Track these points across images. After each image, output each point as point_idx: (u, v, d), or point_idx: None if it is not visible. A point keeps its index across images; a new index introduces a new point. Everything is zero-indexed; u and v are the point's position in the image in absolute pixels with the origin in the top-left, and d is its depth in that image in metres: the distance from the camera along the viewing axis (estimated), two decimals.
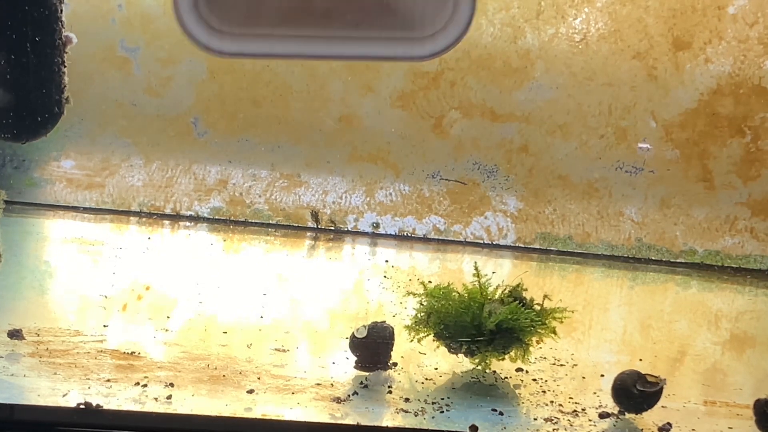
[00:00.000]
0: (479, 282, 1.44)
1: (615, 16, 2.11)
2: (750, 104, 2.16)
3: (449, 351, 1.44)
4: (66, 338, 1.42)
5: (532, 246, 2.23)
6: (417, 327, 1.44)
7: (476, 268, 1.47)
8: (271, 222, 2.21)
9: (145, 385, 1.28)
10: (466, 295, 1.43)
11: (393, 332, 1.42)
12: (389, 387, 1.36)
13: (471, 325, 1.40)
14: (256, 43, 1.16)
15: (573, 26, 2.12)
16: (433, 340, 1.45)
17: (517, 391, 1.41)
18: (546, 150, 2.20)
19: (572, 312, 1.45)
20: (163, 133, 2.17)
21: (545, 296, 1.45)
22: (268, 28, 1.16)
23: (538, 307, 1.44)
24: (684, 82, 2.15)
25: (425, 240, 2.22)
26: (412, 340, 1.44)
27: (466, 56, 2.14)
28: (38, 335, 1.41)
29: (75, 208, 2.16)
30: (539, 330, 1.42)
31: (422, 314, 1.45)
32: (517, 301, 1.43)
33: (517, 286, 1.46)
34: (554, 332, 1.43)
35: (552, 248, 2.23)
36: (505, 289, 1.46)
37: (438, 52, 1.17)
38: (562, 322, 1.44)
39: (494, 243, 2.23)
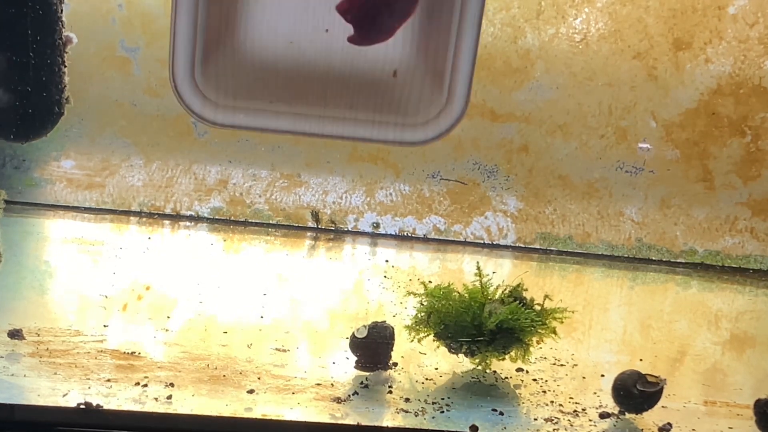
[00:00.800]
0: (480, 282, 1.44)
1: (615, 16, 2.11)
2: (750, 104, 2.16)
3: (449, 351, 1.44)
4: (66, 338, 1.42)
5: (532, 246, 2.23)
6: (417, 327, 1.44)
7: (478, 268, 1.47)
8: (271, 222, 2.21)
9: (145, 385, 1.28)
10: (466, 295, 1.43)
11: (393, 332, 1.42)
12: (389, 387, 1.36)
13: (471, 325, 1.40)
14: (249, 117, 1.17)
15: (573, 26, 2.12)
16: (434, 340, 1.45)
17: (517, 391, 1.41)
18: (546, 150, 2.20)
19: (572, 312, 1.45)
20: (163, 133, 2.17)
21: (546, 296, 1.45)
22: (263, 103, 1.17)
23: (538, 307, 1.45)
24: (684, 82, 2.15)
25: (425, 240, 2.22)
26: (412, 340, 1.44)
27: None
28: (38, 335, 1.41)
29: (75, 208, 2.16)
30: (539, 330, 1.42)
31: (422, 314, 1.45)
32: (518, 301, 1.43)
33: (518, 286, 1.46)
34: (554, 332, 1.43)
35: (552, 248, 2.23)
36: (505, 289, 1.46)
37: (429, 140, 1.18)
38: (562, 322, 1.44)
39: (494, 243, 2.23)
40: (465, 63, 1.14)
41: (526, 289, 1.46)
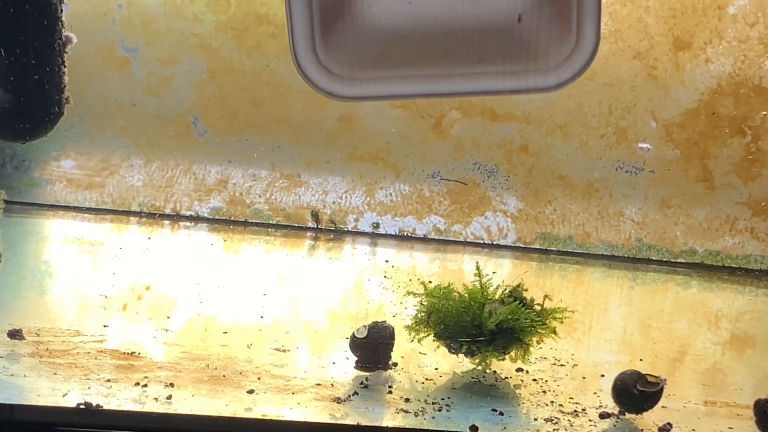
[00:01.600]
0: (480, 282, 1.44)
1: (615, 16, 2.11)
2: (750, 104, 2.16)
3: (449, 351, 1.44)
4: (66, 338, 1.42)
5: (532, 246, 2.23)
6: (417, 327, 1.44)
7: (478, 268, 1.47)
8: (271, 222, 2.21)
9: (145, 385, 1.28)
10: (466, 295, 1.43)
11: (393, 332, 1.42)
12: (389, 387, 1.36)
13: (471, 325, 1.40)
14: (378, 86, 1.14)
15: None
16: (433, 341, 1.44)
17: (517, 391, 1.41)
18: (546, 150, 2.20)
19: (572, 312, 1.45)
20: (163, 133, 2.17)
21: (545, 296, 1.45)
22: (389, 70, 1.14)
23: (538, 307, 1.44)
24: (684, 82, 2.15)
25: (425, 240, 2.22)
26: (412, 340, 1.44)
27: None
28: (38, 335, 1.41)
29: (75, 208, 2.16)
30: (539, 330, 1.42)
31: (422, 314, 1.44)
32: (518, 302, 1.43)
33: (518, 286, 1.46)
34: (554, 332, 1.43)
35: (552, 248, 2.23)
36: (505, 289, 1.46)
37: (563, 83, 1.14)
38: (562, 322, 1.43)
39: (494, 243, 2.23)
40: None
41: (526, 289, 1.46)
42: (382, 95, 1.17)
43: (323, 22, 1.10)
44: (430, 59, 1.13)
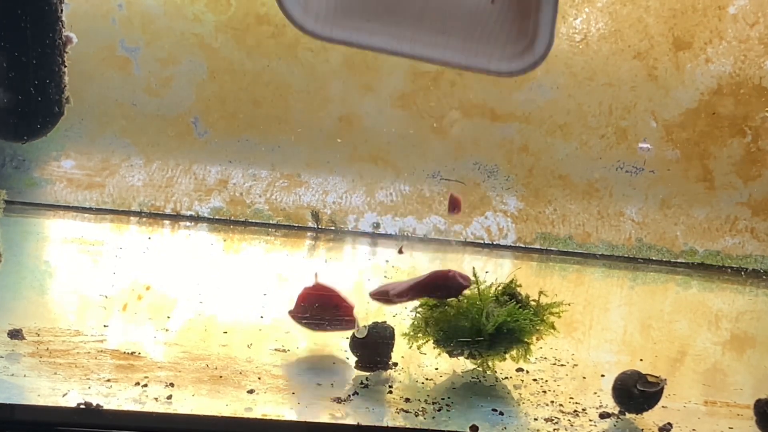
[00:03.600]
0: (478, 288, 1.43)
1: (615, 16, 2.11)
2: (750, 104, 2.16)
3: (450, 356, 1.44)
4: (66, 338, 1.42)
5: (532, 246, 2.23)
6: (416, 335, 1.44)
7: (475, 275, 1.45)
8: (271, 222, 2.21)
9: (145, 385, 1.27)
10: (464, 300, 1.42)
11: (393, 332, 1.42)
12: (389, 387, 1.36)
13: (470, 330, 1.39)
14: (346, 32, 1.21)
15: (573, 26, 2.12)
16: (434, 348, 1.44)
17: (517, 391, 1.40)
18: (546, 150, 2.20)
19: (568, 305, 1.44)
20: (163, 133, 2.17)
21: (540, 292, 1.45)
22: (360, 21, 1.19)
23: (534, 303, 1.44)
24: (684, 82, 2.15)
25: (425, 240, 2.22)
26: (411, 347, 1.44)
27: None
28: (38, 335, 1.41)
29: (75, 208, 2.16)
30: (538, 327, 1.42)
31: (419, 321, 1.44)
32: (513, 299, 1.43)
33: (511, 282, 1.46)
34: (553, 327, 1.43)
35: (552, 248, 2.23)
36: (498, 287, 1.45)
37: (515, 72, 1.21)
38: (559, 316, 1.43)
39: (494, 243, 2.23)
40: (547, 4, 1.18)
41: (519, 285, 1.46)
42: (347, 41, 1.24)
43: None
44: (400, 20, 1.19)
